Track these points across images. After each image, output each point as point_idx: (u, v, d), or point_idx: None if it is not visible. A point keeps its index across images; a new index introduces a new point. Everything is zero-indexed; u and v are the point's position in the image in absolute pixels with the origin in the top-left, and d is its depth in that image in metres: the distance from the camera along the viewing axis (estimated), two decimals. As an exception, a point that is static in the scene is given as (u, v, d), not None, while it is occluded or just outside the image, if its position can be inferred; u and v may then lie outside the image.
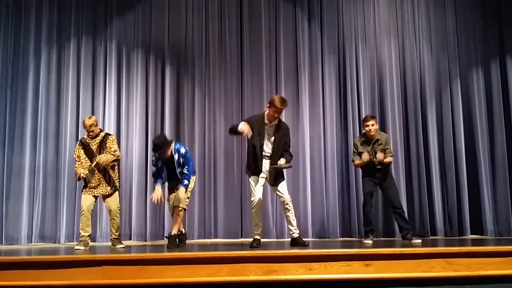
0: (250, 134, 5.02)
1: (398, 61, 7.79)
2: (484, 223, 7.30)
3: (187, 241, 6.06)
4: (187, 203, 5.70)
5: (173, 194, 5.71)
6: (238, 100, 7.71)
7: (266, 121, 5.22)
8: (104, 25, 7.73)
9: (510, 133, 7.54)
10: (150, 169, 7.35)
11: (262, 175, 5.23)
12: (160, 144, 5.43)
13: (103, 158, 5.70)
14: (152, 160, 5.81)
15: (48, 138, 7.42)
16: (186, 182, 5.58)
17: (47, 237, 7.20)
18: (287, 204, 5.24)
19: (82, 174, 5.71)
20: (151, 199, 5.70)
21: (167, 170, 5.69)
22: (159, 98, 7.64)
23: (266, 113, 5.24)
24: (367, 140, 5.97)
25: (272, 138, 5.24)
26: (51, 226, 7.24)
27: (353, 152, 6.09)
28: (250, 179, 5.30)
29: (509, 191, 7.39)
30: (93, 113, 7.44)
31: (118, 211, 5.87)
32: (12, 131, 7.40)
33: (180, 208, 5.58)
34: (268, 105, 5.22)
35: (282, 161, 5.17)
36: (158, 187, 5.57)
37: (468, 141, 7.59)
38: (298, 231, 5.31)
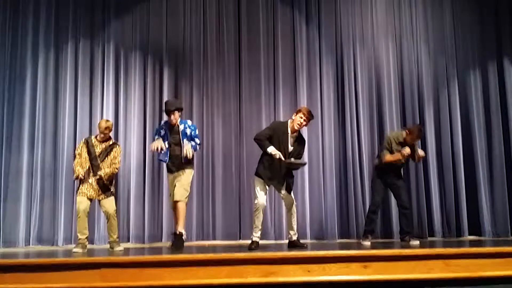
0: (280, 157, 5.12)
1: (395, 62, 7.81)
2: (482, 224, 7.32)
3: (185, 244, 6.04)
4: (186, 195, 5.61)
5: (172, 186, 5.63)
6: (236, 101, 7.71)
7: (289, 130, 5.29)
8: (102, 27, 7.71)
9: (507, 134, 7.56)
10: (148, 171, 7.39)
11: (266, 183, 5.27)
12: (169, 104, 5.58)
13: (108, 173, 5.73)
14: (156, 130, 5.81)
15: (46, 140, 7.40)
16: (193, 143, 5.58)
17: (45, 239, 7.16)
18: (291, 208, 5.27)
19: (80, 175, 5.69)
20: (151, 149, 5.65)
21: (170, 145, 5.61)
22: (157, 100, 7.62)
23: (290, 121, 5.33)
24: (405, 143, 5.89)
25: (290, 148, 5.30)
26: (49, 229, 7.20)
27: (384, 147, 5.99)
28: (256, 180, 5.30)
29: (507, 192, 7.41)
30: (90, 115, 7.44)
31: (115, 214, 5.86)
32: (9, 133, 7.36)
33: (181, 202, 5.50)
34: (295, 113, 5.36)
35: (295, 159, 5.26)
36: (159, 139, 5.60)
37: (466, 142, 7.61)
38: (297, 235, 5.34)
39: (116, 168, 5.86)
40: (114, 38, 7.69)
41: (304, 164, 5.53)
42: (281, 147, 5.21)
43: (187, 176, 5.56)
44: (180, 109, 5.72)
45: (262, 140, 5.23)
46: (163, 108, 5.89)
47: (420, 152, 5.92)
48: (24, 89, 7.46)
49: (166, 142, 5.61)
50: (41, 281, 3.71)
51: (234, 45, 7.82)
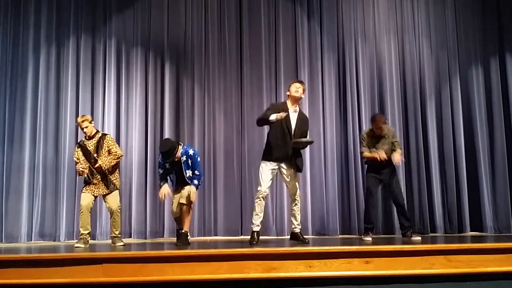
0: (285, 114, 5.08)
1: (397, 58, 7.80)
2: (484, 220, 7.32)
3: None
4: (192, 200, 5.51)
5: (178, 194, 5.59)
6: (238, 97, 7.70)
7: (288, 106, 5.29)
8: (104, 23, 7.71)
9: (509, 130, 7.55)
10: (150, 167, 7.40)
11: (274, 165, 5.20)
12: (169, 152, 5.37)
13: (105, 161, 5.70)
14: (159, 162, 5.68)
15: (48, 136, 7.41)
16: (196, 182, 5.50)
17: (47, 235, 7.19)
18: (297, 197, 5.22)
19: (82, 169, 5.67)
20: (159, 197, 5.61)
21: (175, 173, 5.62)
22: (159, 96, 7.63)
23: (288, 99, 5.35)
24: (375, 135, 5.93)
25: (293, 126, 5.25)
26: (51, 224, 7.23)
27: (361, 144, 6.07)
28: (262, 165, 5.22)
29: (509, 187, 7.40)
30: (92, 111, 7.43)
31: (119, 210, 5.84)
32: (11, 129, 7.38)
33: (186, 206, 5.45)
34: (287, 90, 5.39)
35: (303, 139, 5.24)
36: (165, 185, 5.55)
37: (468, 138, 7.60)
38: (300, 227, 5.30)
39: (117, 157, 5.82)
40: (116, 34, 7.69)
41: (311, 142, 5.47)
42: (284, 126, 5.17)
43: (193, 188, 5.53)
44: (177, 148, 5.50)
45: (263, 116, 5.22)
46: (164, 150, 5.55)
47: (396, 157, 5.78)
48: (26, 85, 7.46)
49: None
50: (43, 276, 3.71)
51: (236, 41, 7.81)
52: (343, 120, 7.67)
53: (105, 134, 5.98)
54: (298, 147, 5.26)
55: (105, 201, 5.88)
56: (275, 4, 7.87)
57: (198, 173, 5.56)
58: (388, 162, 5.86)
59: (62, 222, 7.18)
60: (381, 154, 5.73)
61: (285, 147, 5.17)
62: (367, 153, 5.94)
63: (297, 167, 5.26)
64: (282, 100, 5.72)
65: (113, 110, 7.51)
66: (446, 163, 7.53)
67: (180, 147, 5.52)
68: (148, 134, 7.46)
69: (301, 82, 5.42)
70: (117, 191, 5.86)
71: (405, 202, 6.11)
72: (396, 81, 7.71)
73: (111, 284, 3.70)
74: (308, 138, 5.36)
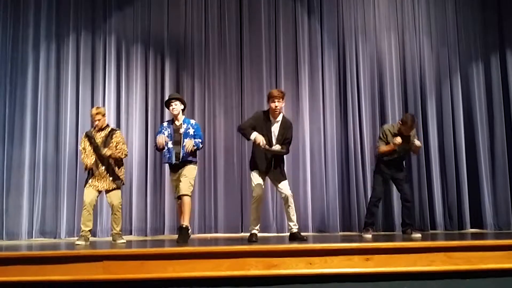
0: (264, 144, 5.04)
1: (398, 55, 7.79)
2: (484, 217, 7.33)
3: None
4: (191, 190, 5.49)
5: (176, 176, 5.54)
6: (238, 94, 7.71)
7: (270, 118, 5.23)
8: (103, 20, 7.70)
9: (510, 127, 7.56)
10: (150, 164, 7.40)
11: (263, 174, 5.22)
12: (173, 95, 5.58)
13: (114, 152, 5.69)
14: (159, 130, 5.68)
15: (48, 133, 7.41)
16: (198, 140, 5.49)
17: (48, 232, 7.20)
18: (288, 200, 5.24)
19: (88, 164, 5.66)
20: (158, 143, 5.44)
21: (174, 147, 5.51)
22: (159, 93, 7.63)
23: (269, 109, 5.23)
24: (401, 135, 5.81)
25: (274, 134, 5.24)
26: (51, 221, 7.24)
27: (380, 138, 5.96)
28: (252, 173, 5.28)
29: (509, 184, 7.42)
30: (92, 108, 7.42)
31: (120, 206, 5.80)
32: (11, 126, 7.38)
33: (186, 197, 5.41)
34: (267, 101, 5.23)
35: (276, 147, 5.17)
36: (160, 135, 5.50)
37: (468, 135, 7.60)
38: (297, 227, 5.31)
39: (124, 153, 5.81)
40: (116, 31, 7.68)
41: (284, 152, 5.28)
42: (265, 134, 5.16)
43: (190, 171, 5.48)
44: (181, 101, 5.61)
45: (245, 129, 5.19)
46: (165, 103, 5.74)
47: (416, 143, 5.82)
48: (26, 82, 7.46)
49: (170, 142, 5.52)
50: (44, 273, 3.72)
51: (236, 38, 7.80)
52: (343, 117, 7.67)
53: (115, 130, 5.93)
54: (271, 154, 5.22)
55: (107, 197, 5.83)
56: (275, 1, 7.87)
57: (200, 139, 5.54)
58: (401, 160, 5.86)
59: (62, 219, 7.19)
60: (396, 140, 5.70)
61: (268, 160, 5.21)
62: (383, 147, 5.85)
63: (281, 177, 5.25)
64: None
65: (113, 107, 7.51)
66: (446, 160, 7.54)
67: (181, 108, 5.58)
68: (148, 131, 7.46)
69: (279, 96, 5.16)
70: (119, 188, 5.81)
71: (413, 199, 6.10)
72: (397, 78, 7.70)
73: (112, 281, 3.70)
74: (279, 148, 5.19)
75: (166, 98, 7.42)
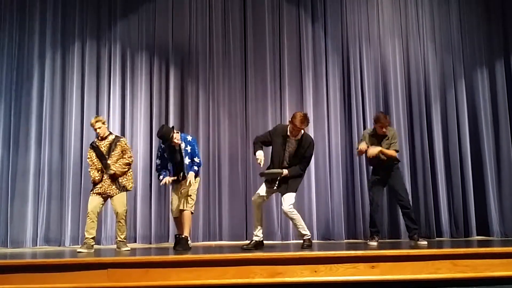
0: (262, 163, 5.05)
1: (402, 61, 7.78)
2: (490, 224, 7.27)
3: (191, 244, 6.01)
4: (191, 204, 5.53)
5: (177, 191, 5.60)
6: (242, 101, 7.71)
7: (288, 133, 5.15)
8: (108, 28, 7.74)
9: (515, 132, 7.52)
10: (155, 172, 7.37)
11: (268, 187, 5.20)
12: (166, 134, 5.39)
13: (119, 168, 5.73)
14: (157, 154, 5.72)
15: (53, 140, 7.43)
16: (195, 168, 5.51)
17: (52, 240, 7.20)
18: (286, 213, 5.17)
19: (96, 178, 5.70)
20: (160, 183, 5.60)
21: (174, 162, 5.57)
22: (163, 100, 7.64)
23: (290, 125, 5.11)
24: (377, 134, 5.87)
25: (288, 152, 5.18)
26: (56, 229, 7.24)
27: (359, 142, 5.99)
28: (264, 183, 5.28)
29: (515, 191, 7.36)
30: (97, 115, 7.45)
31: (125, 214, 5.76)
32: (17, 134, 7.41)
33: (185, 211, 5.46)
34: (290, 120, 5.13)
35: (276, 171, 5.12)
36: (165, 176, 5.57)
37: (473, 141, 7.57)
38: (309, 235, 5.22)
39: (129, 162, 5.84)
40: (121, 38, 7.72)
41: (280, 174, 5.12)
42: (279, 150, 5.15)
43: (192, 185, 5.53)
44: (172, 131, 5.52)
45: (255, 144, 5.22)
46: (159, 134, 5.55)
47: (370, 150, 5.64)
48: (31, 89, 7.50)
49: (169, 164, 5.60)
50: (48, 281, 3.72)
51: (240, 45, 7.82)
52: (348, 124, 7.66)
53: (119, 137, 5.97)
54: (267, 177, 5.20)
55: (112, 203, 5.80)
56: (279, 8, 7.88)
57: (198, 161, 5.58)
58: (389, 164, 5.84)
59: (67, 227, 7.19)
60: (361, 146, 5.71)
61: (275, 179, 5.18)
62: (359, 147, 5.82)
63: (283, 190, 5.17)
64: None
65: (118, 115, 7.53)
66: (452, 167, 7.50)
67: (176, 133, 5.52)
68: (153, 138, 7.46)
69: (302, 125, 5.02)
70: (124, 193, 5.80)
71: (411, 205, 6.07)
72: (401, 84, 7.69)
73: (116, 289, 3.70)
74: (280, 171, 5.10)
75: (171, 106, 7.52)
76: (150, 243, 7.21)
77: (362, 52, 7.78)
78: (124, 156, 5.79)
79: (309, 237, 5.23)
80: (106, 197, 5.74)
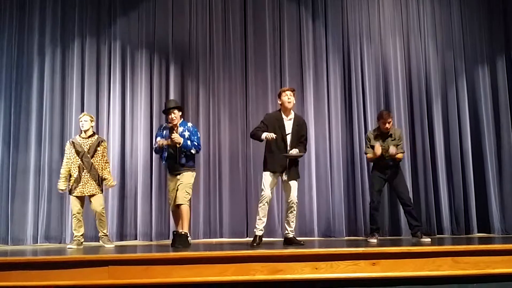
0: (275, 136, 5.15)
1: (403, 59, 7.76)
2: (491, 221, 7.27)
3: (192, 241, 6.02)
4: (188, 198, 5.58)
5: (173, 183, 5.63)
6: (243, 99, 7.70)
7: (282, 115, 5.32)
8: (108, 25, 7.73)
9: (516, 130, 7.51)
10: (155, 168, 7.40)
11: (274, 176, 5.26)
12: (171, 102, 5.63)
13: (107, 182, 6.14)
14: (156, 134, 5.86)
15: (53, 138, 7.43)
16: (191, 147, 5.53)
17: (53, 237, 7.21)
18: (293, 204, 5.24)
19: (62, 190, 6.10)
20: (159, 145, 5.60)
21: (170, 150, 5.60)
22: (164, 98, 7.62)
23: (281, 107, 5.35)
24: (381, 133, 5.91)
25: (289, 132, 5.30)
26: (56, 227, 7.25)
27: (366, 145, 6.09)
28: (264, 175, 5.32)
29: (516, 188, 7.35)
30: (97, 114, 7.46)
31: (104, 212, 6.09)
32: (17, 132, 7.41)
33: (183, 206, 5.49)
34: (278, 98, 5.41)
35: (294, 151, 5.23)
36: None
37: (474, 139, 7.56)
38: (293, 233, 5.38)
39: (108, 166, 6.19)
40: (121, 36, 7.70)
41: (301, 155, 5.38)
42: (278, 133, 5.23)
43: (188, 179, 5.56)
44: (179, 108, 5.68)
45: (255, 133, 5.31)
46: (166, 101, 5.95)
47: (391, 149, 5.74)
48: (31, 87, 7.50)
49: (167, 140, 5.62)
50: (49, 278, 3.72)
51: (240, 43, 7.81)
52: (349, 122, 7.65)
53: (103, 140, 6.25)
54: (288, 158, 5.29)
55: (90, 202, 6.07)
56: (279, 6, 7.87)
57: (197, 144, 5.62)
58: (394, 162, 5.84)
59: (67, 224, 7.19)
60: (376, 149, 5.75)
61: (281, 159, 5.24)
62: (369, 155, 5.94)
63: (295, 175, 5.32)
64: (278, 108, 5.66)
65: (118, 112, 7.52)
66: (453, 164, 7.49)
67: (179, 112, 5.62)
68: (153, 137, 7.44)
69: (292, 90, 5.40)
70: (102, 194, 6.13)
71: (412, 202, 6.08)
72: (402, 82, 7.67)
73: (117, 286, 3.70)
74: (296, 153, 5.27)
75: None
76: (151, 241, 7.21)
77: (363, 49, 7.76)
78: (106, 160, 6.16)
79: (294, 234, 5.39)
80: (84, 195, 6.04)
